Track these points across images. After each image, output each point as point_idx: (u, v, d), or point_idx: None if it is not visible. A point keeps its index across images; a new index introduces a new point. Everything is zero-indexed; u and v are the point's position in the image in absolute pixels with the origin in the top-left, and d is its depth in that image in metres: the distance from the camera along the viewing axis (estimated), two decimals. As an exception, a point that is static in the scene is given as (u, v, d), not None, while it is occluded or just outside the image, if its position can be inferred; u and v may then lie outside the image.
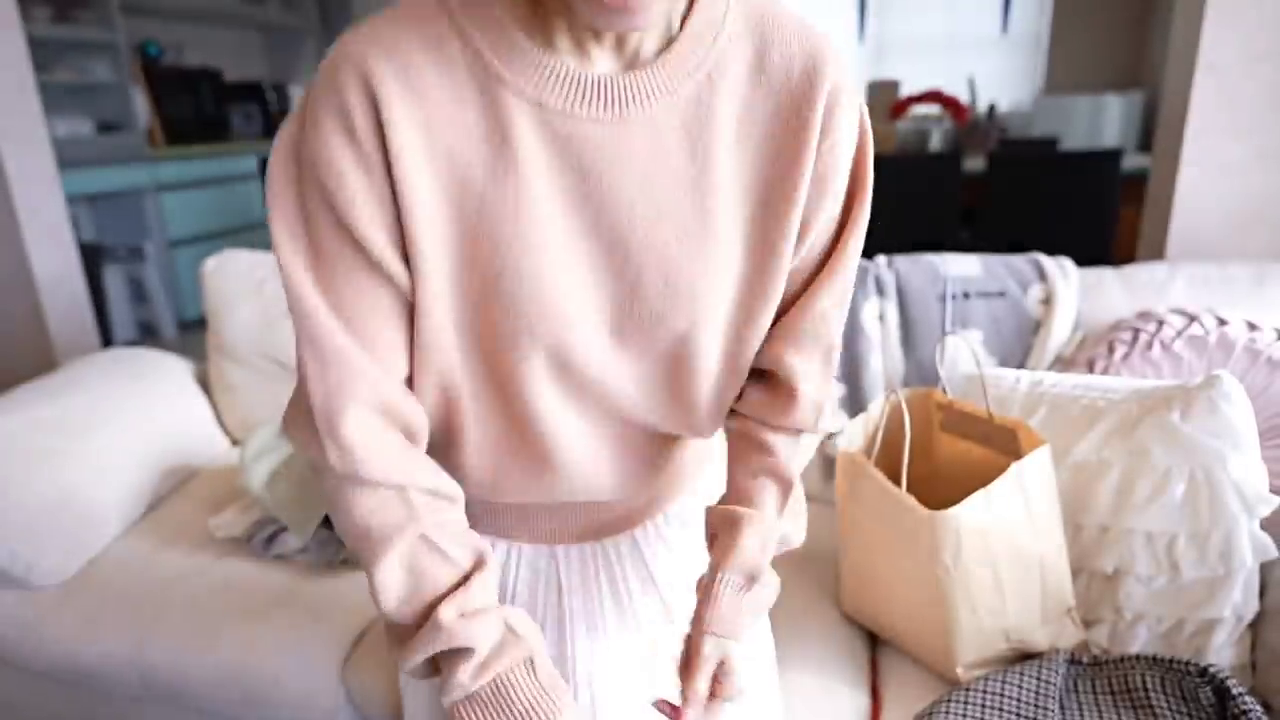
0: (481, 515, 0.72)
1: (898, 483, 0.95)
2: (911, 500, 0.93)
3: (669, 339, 0.61)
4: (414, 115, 0.51)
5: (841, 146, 0.58)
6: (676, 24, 0.55)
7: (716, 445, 0.81)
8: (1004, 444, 1.03)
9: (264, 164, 4.78)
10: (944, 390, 1.13)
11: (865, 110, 0.60)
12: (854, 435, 1.08)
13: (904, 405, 1.02)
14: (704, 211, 0.57)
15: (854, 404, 1.41)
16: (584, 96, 0.53)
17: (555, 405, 0.62)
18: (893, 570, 1.01)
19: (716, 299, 0.60)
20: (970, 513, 0.90)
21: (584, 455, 0.66)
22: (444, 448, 0.65)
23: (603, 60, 0.54)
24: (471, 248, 0.54)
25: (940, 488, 1.07)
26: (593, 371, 0.60)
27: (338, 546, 1.28)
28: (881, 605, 1.08)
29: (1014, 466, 0.92)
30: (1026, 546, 0.94)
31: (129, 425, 1.49)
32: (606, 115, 0.53)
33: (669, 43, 0.55)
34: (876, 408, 1.09)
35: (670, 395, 0.65)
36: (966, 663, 0.97)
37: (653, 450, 0.70)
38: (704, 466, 0.80)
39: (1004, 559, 0.93)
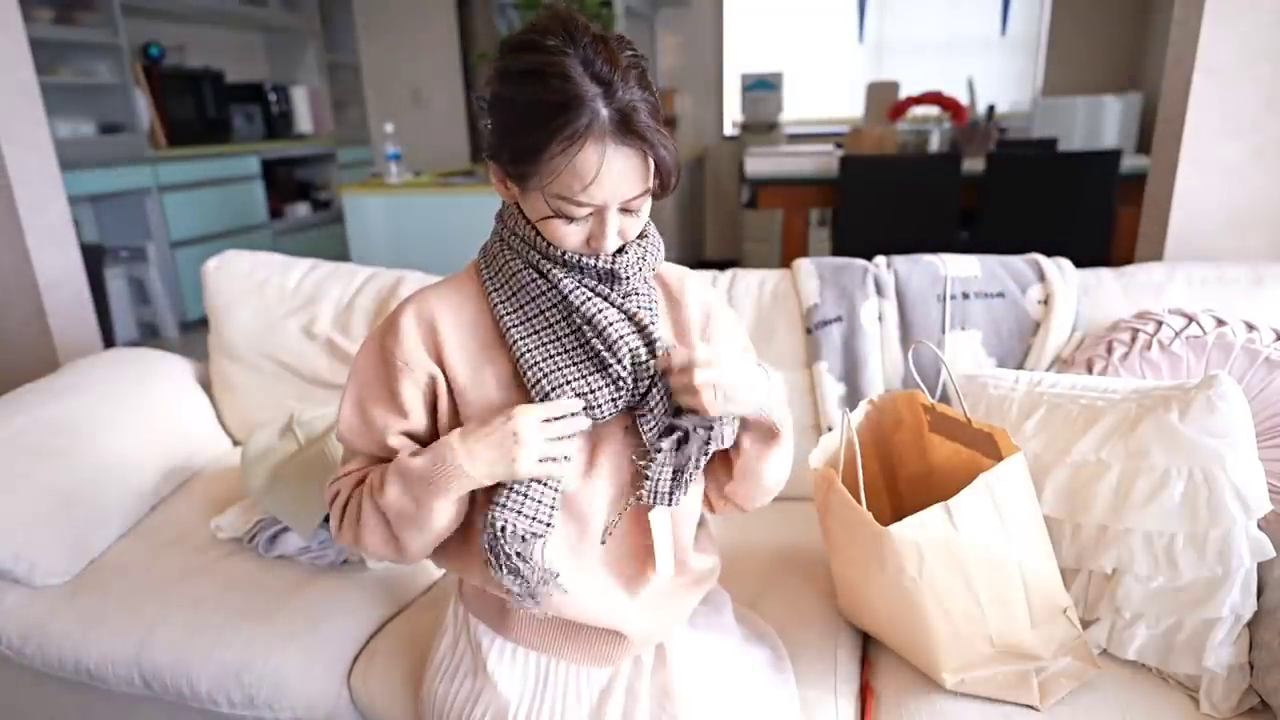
0: (527, 633, 0.91)
1: (891, 486, 0.95)
2: (868, 515, 0.93)
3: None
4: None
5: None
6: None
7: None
8: (986, 448, 1.04)
9: (265, 164, 4.80)
10: (929, 394, 1.14)
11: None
12: (824, 451, 1.09)
13: (850, 426, 1.01)
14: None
15: (853, 404, 1.41)
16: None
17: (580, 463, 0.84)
18: (868, 582, 1.02)
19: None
20: (926, 527, 0.90)
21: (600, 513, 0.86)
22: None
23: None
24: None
25: (936, 487, 1.07)
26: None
27: (340, 547, 1.29)
28: (867, 613, 1.08)
29: (981, 478, 0.92)
30: (1001, 554, 0.94)
31: (131, 426, 1.49)
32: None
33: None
34: (839, 425, 1.08)
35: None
36: (953, 668, 0.97)
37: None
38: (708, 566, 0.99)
39: (976, 568, 0.93)
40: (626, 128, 0.72)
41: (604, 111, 0.71)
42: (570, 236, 0.78)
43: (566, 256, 0.80)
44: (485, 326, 0.85)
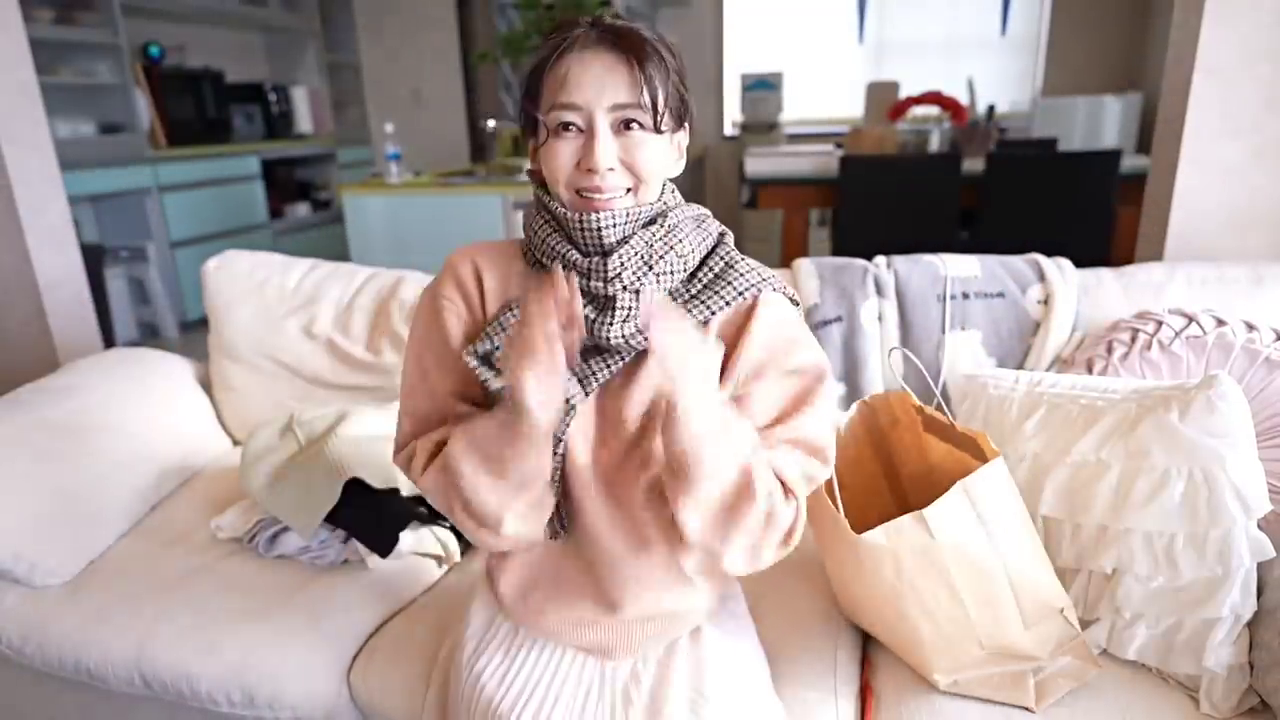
0: (557, 626, 0.92)
1: (894, 484, 0.96)
2: (845, 523, 0.94)
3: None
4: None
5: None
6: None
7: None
8: (973, 450, 1.04)
9: (265, 164, 4.79)
10: (920, 396, 1.14)
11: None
12: None
13: (840, 425, 1.03)
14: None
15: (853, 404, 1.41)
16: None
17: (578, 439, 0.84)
18: (856, 584, 1.03)
19: None
20: (901, 534, 0.91)
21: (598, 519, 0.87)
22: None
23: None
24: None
25: (937, 485, 1.07)
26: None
27: (340, 547, 1.29)
28: (861, 615, 1.09)
29: (957, 485, 0.92)
30: (983, 558, 0.93)
31: (131, 425, 1.49)
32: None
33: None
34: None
35: None
36: (943, 669, 0.97)
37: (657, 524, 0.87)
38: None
39: (958, 572, 0.93)
40: (614, 33, 0.77)
41: (594, 31, 0.77)
42: (561, 154, 0.78)
43: (570, 217, 0.78)
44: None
